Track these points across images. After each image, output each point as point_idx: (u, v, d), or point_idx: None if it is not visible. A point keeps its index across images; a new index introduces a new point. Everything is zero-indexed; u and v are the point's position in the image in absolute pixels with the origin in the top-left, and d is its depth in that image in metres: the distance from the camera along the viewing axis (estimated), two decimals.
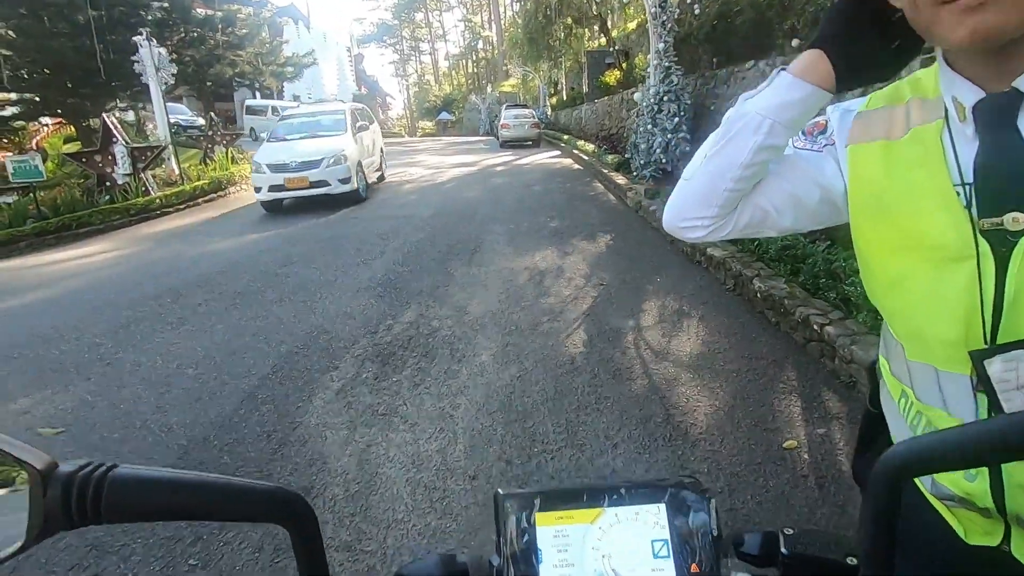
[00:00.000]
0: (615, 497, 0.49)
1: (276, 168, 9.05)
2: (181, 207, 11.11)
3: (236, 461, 2.48)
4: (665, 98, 7.53)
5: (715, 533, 0.48)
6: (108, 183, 11.38)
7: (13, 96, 16.29)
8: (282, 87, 33.03)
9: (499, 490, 0.51)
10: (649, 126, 7.73)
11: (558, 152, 16.38)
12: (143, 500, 0.35)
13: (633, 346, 3.44)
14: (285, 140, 9.92)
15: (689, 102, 7.59)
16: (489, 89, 38.89)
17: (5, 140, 18.42)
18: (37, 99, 15.93)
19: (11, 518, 0.35)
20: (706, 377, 2.99)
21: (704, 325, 3.67)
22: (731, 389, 2.87)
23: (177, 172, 12.53)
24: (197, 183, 12.02)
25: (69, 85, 14.49)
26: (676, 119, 7.48)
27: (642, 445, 2.44)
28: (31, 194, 10.85)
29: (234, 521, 0.40)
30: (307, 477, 2.34)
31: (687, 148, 7.47)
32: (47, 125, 20.53)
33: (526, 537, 0.48)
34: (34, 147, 18.78)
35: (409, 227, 7.04)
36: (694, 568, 0.47)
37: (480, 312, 4.12)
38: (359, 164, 9.65)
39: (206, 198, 11.78)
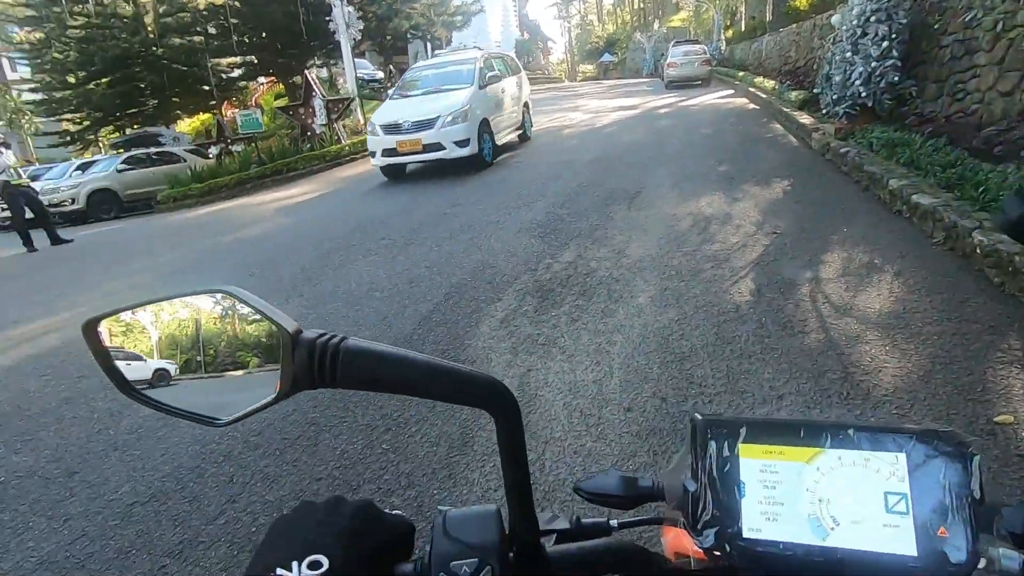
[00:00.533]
0: (840, 438, 0.43)
1: (388, 129, 8.04)
2: (366, 153, 12.39)
3: None
4: (872, 18, 6.38)
5: (976, 495, 0.41)
6: (309, 133, 13.06)
7: (238, 60, 19.18)
8: (451, 37, 34.30)
9: (696, 415, 0.47)
10: (848, 54, 6.66)
11: (731, 91, 14.94)
12: (371, 369, 0.38)
13: (809, 299, 3.16)
14: (406, 96, 8.85)
15: (904, 21, 6.36)
16: (656, 26, 36.34)
17: (233, 99, 21.95)
18: (255, 61, 18.52)
19: (263, 378, 0.40)
20: (898, 337, 2.66)
21: (900, 281, 3.23)
22: (930, 353, 2.52)
23: (362, 122, 13.90)
24: None
25: (279, 47, 16.53)
26: (884, 43, 6.33)
27: (812, 400, 2.29)
28: (254, 144, 12.88)
29: (447, 401, 0.41)
30: None
31: (895, 78, 6.34)
32: (262, 84, 23.95)
33: (728, 467, 0.44)
34: (253, 104, 22.15)
35: (569, 172, 7.06)
36: (942, 532, 0.40)
37: (639, 255, 4.07)
38: (485, 123, 8.31)
39: None
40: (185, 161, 14.56)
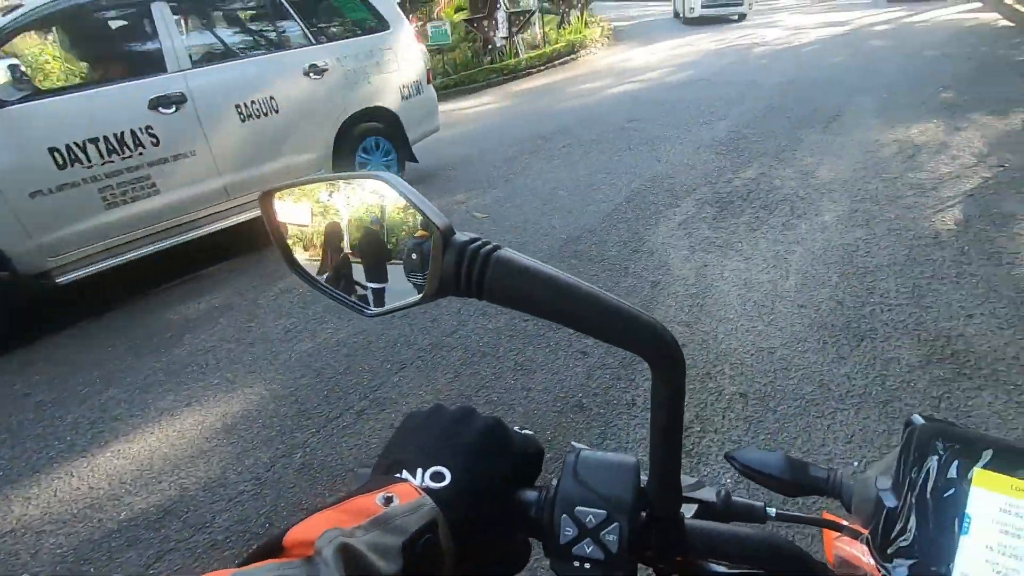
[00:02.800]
0: None
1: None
2: (543, 68, 12.56)
3: (602, 253, 3.24)
4: None
5: None
6: (490, 46, 13.50)
7: None
8: None
9: (917, 416, 0.39)
10: None
11: (978, 3, 12.31)
12: (520, 286, 0.34)
13: None
14: None
15: None
16: None
17: (419, 12, 23.05)
18: None
19: (410, 280, 0.39)
20: None
21: None
22: None
23: (540, 36, 13.98)
24: (556, 46, 13.26)
25: None
26: None
27: (1006, 322, 2.27)
28: (441, 55, 13.68)
29: (603, 340, 0.37)
30: (656, 274, 2.94)
31: None
32: None
33: (952, 492, 0.35)
34: (436, 16, 23.08)
35: (756, 93, 6.69)
36: None
37: (829, 178, 3.95)
38: None
39: (562, 60, 12.98)
40: None
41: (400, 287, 0.40)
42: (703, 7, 14.35)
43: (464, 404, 0.44)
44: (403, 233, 0.41)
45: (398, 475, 0.38)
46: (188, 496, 1.91)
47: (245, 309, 3.20)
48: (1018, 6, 9.53)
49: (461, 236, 0.35)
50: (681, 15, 15.56)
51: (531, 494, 0.41)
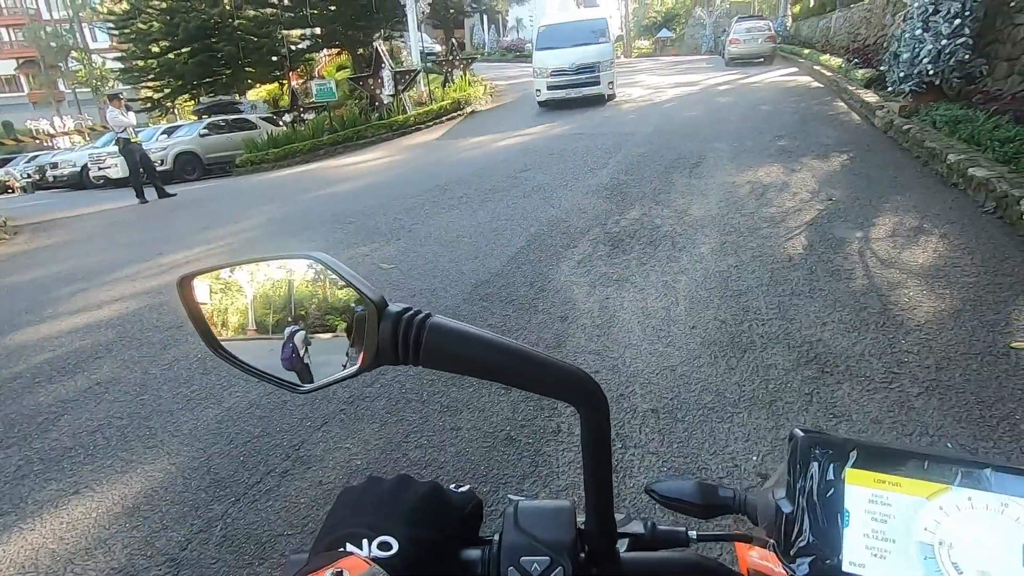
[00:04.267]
0: (973, 476, 0.38)
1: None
2: (430, 123, 12.96)
3: (511, 294, 3.40)
4: None
5: None
6: (377, 103, 13.73)
7: (307, 32, 20.00)
8: (507, 13, 34.31)
9: (798, 430, 0.42)
10: (919, 31, 6.72)
11: (794, 69, 14.72)
12: (455, 350, 0.36)
13: (857, 254, 3.54)
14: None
15: (977, 1, 6.38)
16: (718, 1, 35.30)
17: (300, 69, 22.91)
18: (324, 33, 19.29)
19: (345, 347, 0.40)
20: (936, 285, 3.04)
21: (945, 242, 3.56)
22: (962, 296, 2.90)
23: (426, 93, 14.48)
24: (441, 103, 13.78)
25: (350, 19, 17.19)
26: (956, 21, 6.37)
27: (851, 327, 2.72)
28: (326, 112, 13.64)
29: (533, 391, 0.39)
30: (563, 309, 3.14)
31: (965, 56, 6.40)
32: (325, 56, 24.82)
33: (831, 492, 0.39)
34: (318, 74, 23.08)
35: (630, 143, 7.44)
36: None
37: (700, 215, 4.49)
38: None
39: (448, 116, 13.50)
40: (258, 128, 15.57)
41: (331, 361, 0.40)
42: (549, 89, 11.98)
43: (400, 473, 0.44)
44: (332, 309, 0.41)
45: (342, 549, 0.38)
46: None
47: (135, 383, 2.93)
48: (825, 71, 11.55)
49: (394, 307, 0.37)
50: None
51: (474, 552, 0.43)
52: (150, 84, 21.27)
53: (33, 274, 5.54)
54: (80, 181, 16.59)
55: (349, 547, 0.38)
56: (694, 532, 0.49)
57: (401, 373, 2.68)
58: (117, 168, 13.49)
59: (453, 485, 0.45)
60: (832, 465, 0.40)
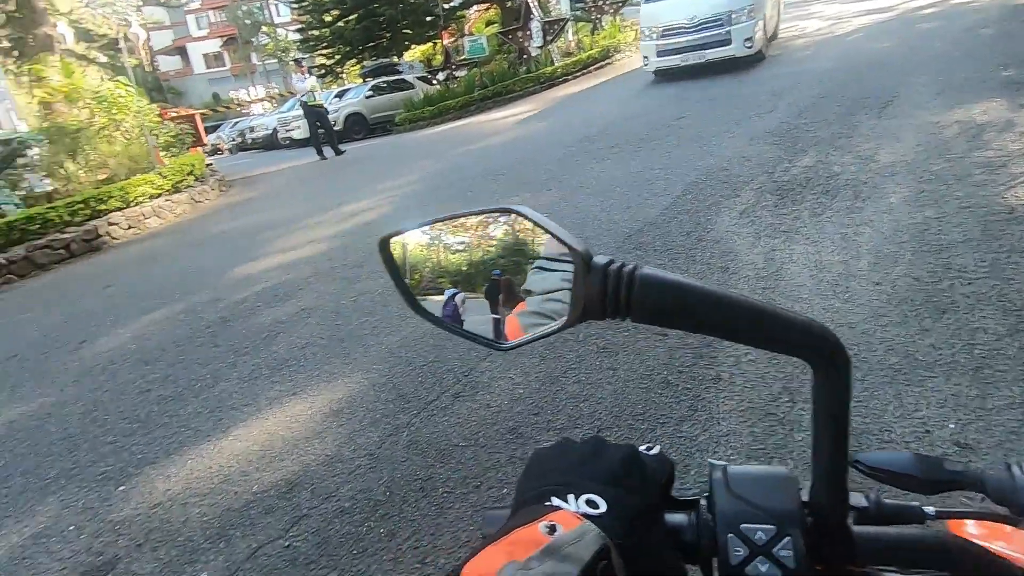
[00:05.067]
0: None
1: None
2: (578, 74, 12.72)
3: (667, 244, 3.33)
4: None
5: None
6: (525, 56, 13.76)
7: None
8: None
9: None
10: None
11: None
12: (669, 303, 0.34)
13: None
14: None
15: None
16: None
17: (451, 27, 23.62)
18: None
19: (548, 303, 0.38)
20: None
21: None
22: None
23: (574, 43, 14.16)
24: (590, 51, 13.41)
25: None
26: None
27: None
28: (476, 68, 14.01)
29: (758, 347, 0.36)
30: (724, 261, 3.01)
31: None
32: (475, 12, 25.23)
33: None
34: (468, 31, 23.62)
35: (804, 82, 6.64)
36: None
37: (890, 161, 3.93)
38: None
39: (596, 66, 13.12)
40: (415, 88, 16.48)
41: (532, 317, 0.40)
42: (659, 55, 8.76)
43: (592, 435, 0.44)
44: (530, 262, 0.40)
45: (548, 503, 0.37)
46: (310, 471, 2.10)
47: (330, 310, 3.42)
48: None
49: (600, 259, 0.35)
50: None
51: (680, 517, 0.40)
52: (324, 51, 23.45)
53: (245, 220, 6.60)
54: (271, 142, 19.07)
55: (555, 501, 0.36)
56: (931, 508, 0.44)
57: None
58: (300, 129, 15.27)
59: (644, 447, 0.42)
60: None
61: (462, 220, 0.43)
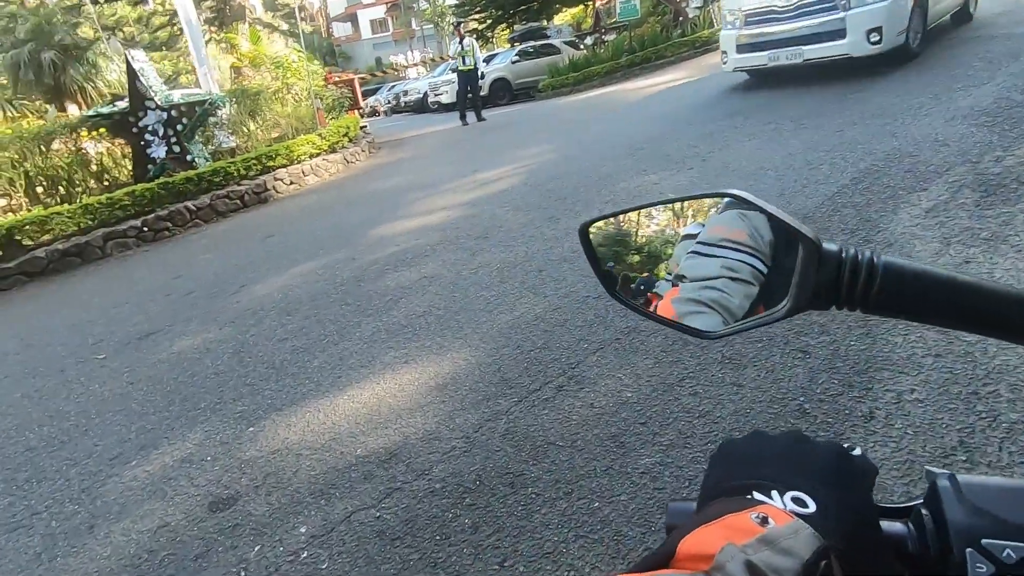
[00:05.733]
0: None
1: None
2: None
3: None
4: None
5: None
6: (681, 18, 12.75)
7: None
8: None
9: None
10: None
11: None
12: (914, 294, 0.31)
13: None
14: None
15: None
16: None
17: None
18: None
19: (760, 290, 0.35)
20: None
21: None
22: None
23: None
24: None
25: None
26: None
27: None
28: (627, 32, 13.30)
29: (1020, 343, 0.32)
30: None
31: None
32: None
33: None
34: None
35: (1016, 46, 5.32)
36: None
37: None
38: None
39: None
40: (561, 52, 16.13)
41: (687, 305, 0.38)
42: (740, 50, 6.41)
43: (791, 428, 0.41)
44: (753, 248, 0.38)
45: (749, 497, 0.34)
46: (409, 444, 2.14)
47: (450, 281, 3.47)
48: None
49: (830, 245, 0.33)
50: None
51: (897, 526, 0.37)
52: (476, 15, 23.84)
53: (387, 183, 6.99)
54: (422, 106, 20.00)
55: (757, 495, 0.34)
56: None
57: None
58: (447, 94, 15.76)
59: (847, 447, 0.38)
60: None
61: (674, 204, 0.41)
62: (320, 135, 8.03)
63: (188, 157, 7.06)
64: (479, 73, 10.49)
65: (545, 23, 21.37)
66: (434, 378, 2.52)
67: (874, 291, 0.32)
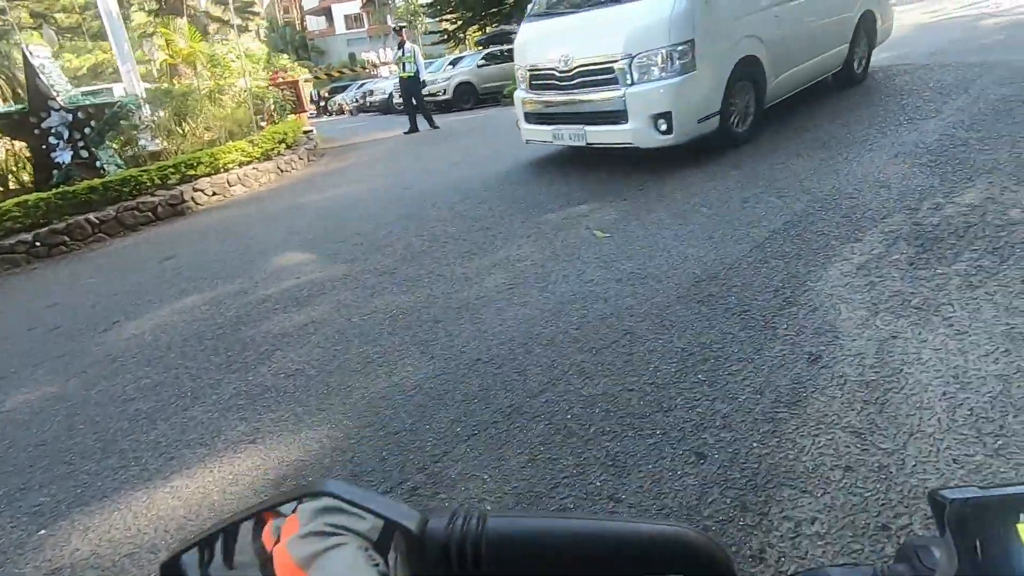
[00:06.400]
0: None
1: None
2: None
3: (744, 301, 2.55)
4: None
5: None
6: None
7: None
8: None
9: (942, 496, 0.34)
10: None
11: None
12: (526, 553, 0.31)
13: None
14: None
15: None
16: None
17: None
18: None
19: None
20: None
21: None
22: None
23: None
24: None
25: None
26: None
27: None
28: None
29: None
30: (817, 343, 2.20)
31: None
32: None
33: (1011, 563, 0.31)
34: None
35: (989, 78, 5.17)
36: None
37: None
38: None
39: None
40: None
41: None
42: (528, 119, 5.20)
43: None
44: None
45: None
46: None
47: (336, 328, 3.06)
48: None
49: (437, 522, 0.32)
50: None
51: None
52: (449, 16, 23.36)
53: (315, 197, 6.50)
54: (388, 107, 19.41)
55: None
56: None
57: (573, 390, 2.18)
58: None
59: None
60: (1002, 527, 0.32)
61: (251, 518, 0.35)
62: (251, 141, 7.48)
63: (97, 163, 6.46)
64: (421, 80, 10.02)
65: (516, 27, 21.02)
66: (276, 467, 2.11)
67: (483, 559, 0.31)
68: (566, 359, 2.40)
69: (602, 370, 2.28)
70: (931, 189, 3.29)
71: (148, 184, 6.26)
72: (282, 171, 7.76)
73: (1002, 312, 2.19)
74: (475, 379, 2.39)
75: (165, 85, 8.35)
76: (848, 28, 5.46)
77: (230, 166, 7.07)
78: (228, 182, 6.95)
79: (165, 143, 7.73)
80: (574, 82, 4.51)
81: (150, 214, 6.22)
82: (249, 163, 7.38)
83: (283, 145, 8.06)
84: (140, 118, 7.42)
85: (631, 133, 4.30)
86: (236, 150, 7.18)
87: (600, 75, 4.34)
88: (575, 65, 4.43)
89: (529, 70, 4.91)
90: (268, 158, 7.71)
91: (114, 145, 6.92)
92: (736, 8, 4.33)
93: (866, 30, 5.74)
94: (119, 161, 6.82)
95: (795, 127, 4.92)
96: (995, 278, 2.40)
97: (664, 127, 4.16)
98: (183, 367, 2.95)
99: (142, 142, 7.51)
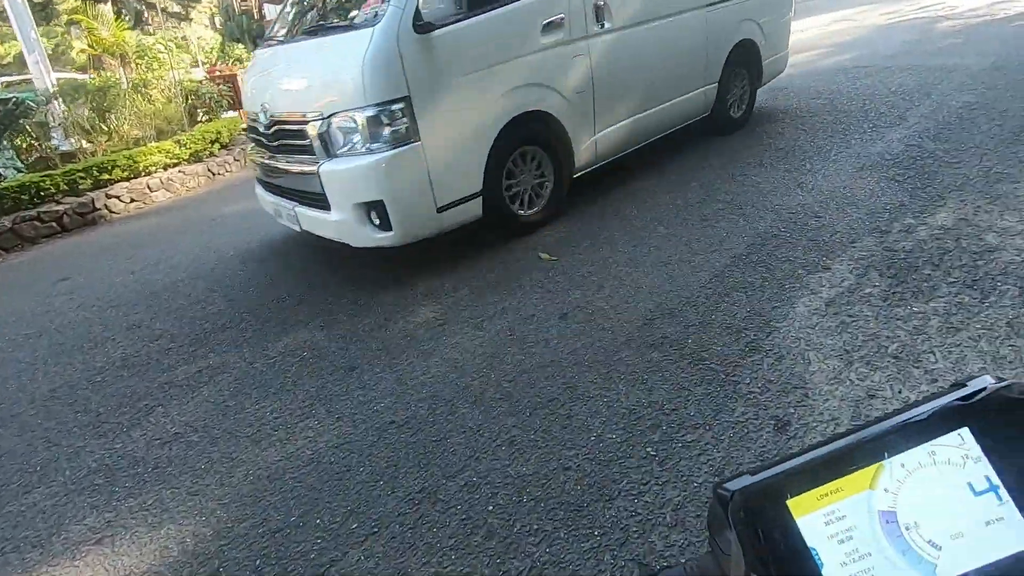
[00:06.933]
0: (891, 440, 0.33)
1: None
2: None
3: (701, 346, 2.21)
4: None
5: None
6: None
7: None
8: None
9: (725, 488, 0.34)
10: None
11: None
12: None
13: None
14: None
15: None
16: None
17: None
18: None
19: None
20: None
21: None
22: None
23: None
24: None
25: None
26: None
27: None
28: None
29: None
30: (783, 403, 1.87)
31: None
32: None
33: (788, 542, 0.32)
34: None
35: (949, 84, 5.01)
36: None
37: None
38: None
39: None
40: None
41: None
42: (258, 180, 3.67)
43: None
44: None
45: None
46: None
47: (235, 376, 2.60)
48: None
49: None
50: None
51: None
52: None
53: (244, 205, 5.93)
54: None
55: None
56: None
57: (497, 470, 1.80)
58: None
59: None
60: (772, 510, 0.33)
61: None
62: (178, 141, 6.82)
63: None
64: None
65: None
66: (126, 572, 1.66)
67: None
68: (494, 423, 2.01)
69: (535, 439, 1.91)
70: (901, 207, 3.03)
71: (52, 190, 5.58)
72: (214, 174, 7.11)
73: (989, 363, 1.91)
74: (384, 450, 1.98)
75: (80, 78, 7.59)
76: (715, 65, 4.33)
77: (152, 169, 6.42)
78: (149, 187, 6.29)
79: (83, 143, 6.99)
80: (275, 144, 3.22)
81: (54, 224, 5.55)
82: (175, 165, 6.73)
83: (216, 145, 7.41)
84: (50, 115, 6.68)
85: (335, 226, 3.00)
86: (159, 151, 6.52)
87: (296, 139, 3.04)
88: (272, 120, 3.17)
89: (248, 113, 3.63)
90: (198, 160, 7.06)
91: (10, 146, 6.18)
92: (488, 52, 2.99)
93: (745, 64, 4.62)
94: (19, 164, 6.11)
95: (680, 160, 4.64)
96: (978, 319, 2.13)
97: (378, 221, 2.89)
98: (41, 429, 2.45)
99: (54, 142, 6.77)
